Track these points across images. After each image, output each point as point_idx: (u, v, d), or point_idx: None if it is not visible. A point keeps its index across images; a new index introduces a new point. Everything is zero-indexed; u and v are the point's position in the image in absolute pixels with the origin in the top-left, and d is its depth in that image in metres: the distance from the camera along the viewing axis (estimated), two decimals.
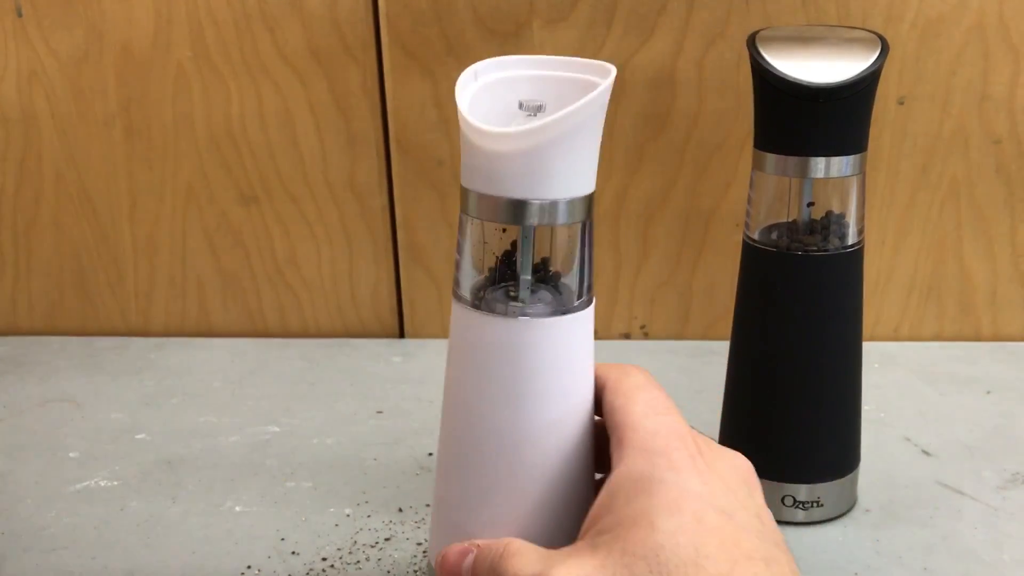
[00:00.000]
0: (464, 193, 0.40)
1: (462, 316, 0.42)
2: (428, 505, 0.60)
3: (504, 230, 0.41)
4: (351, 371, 0.79)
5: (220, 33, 0.78)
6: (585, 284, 0.42)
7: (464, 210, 0.41)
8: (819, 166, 0.53)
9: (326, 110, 0.80)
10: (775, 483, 0.57)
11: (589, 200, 0.40)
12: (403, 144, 0.80)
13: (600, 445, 0.44)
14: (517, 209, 0.39)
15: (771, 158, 0.54)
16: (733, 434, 0.59)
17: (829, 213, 0.54)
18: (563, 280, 0.42)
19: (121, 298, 0.87)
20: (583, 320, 0.42)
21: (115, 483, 0.63)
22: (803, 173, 0.53)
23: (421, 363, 0.81)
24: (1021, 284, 0.81)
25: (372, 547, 0.56)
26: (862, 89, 0.51)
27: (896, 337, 0.83)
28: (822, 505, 0.57)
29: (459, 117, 0.39)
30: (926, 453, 0.66)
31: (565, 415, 0.42)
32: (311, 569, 0.54)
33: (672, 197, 0.80)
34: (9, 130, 0.83)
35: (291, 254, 0.84)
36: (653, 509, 0.36)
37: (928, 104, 0.76)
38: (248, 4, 0.77)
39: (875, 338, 0.82)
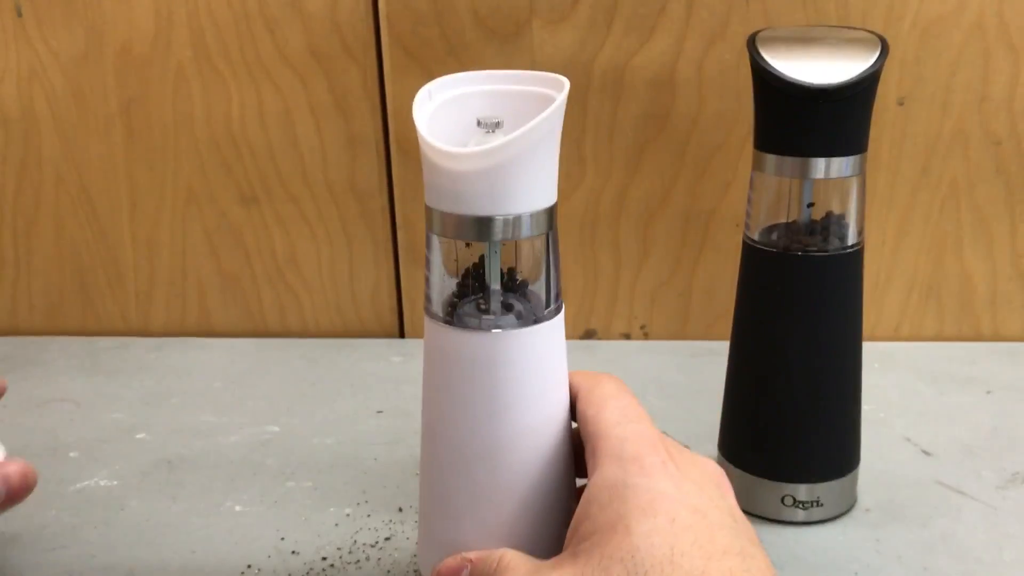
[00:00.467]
0: (429, 212, 0.41)
1: (435, 332, 0.43)
2: None
3: (469, 245, 0.41)
4: (351, 371, 0.79)
5: (220, 33, 0.78)
6: (553, 292, 0.43)
7: (430, 228, 0.41)
8: (819, 167, 0.53)
9: (326, 111, 0.80)
10: (775, 483, 0.57)
11: (552, 211, 0.41)
12: (403, 145, 0.80)
13: (579, 451, 0.45)
14: (482, 226, 0.39)
15: (771, 159, 0.54)
16: (733, 434, 0.59)
17: (829, 214, 0.54)
18: (531, 288, 0.43)
19: (121, 298, 0.87)
20: (554, 328, 0.43)
21: (115, 483, 0.63)
22: (803, 174, 0.53)
23: (421, 363, 0.80)
24: (1021, 284, 0.80)
25: (372, 547, 0.56)
26: (862, 90, 0.51)
27: (896, 337, 0.83)
28: (822, 505, 0.57)
29: (419, 138, 0.40)
30: (926, 453, 0.66)
31: (542, 422, 0.43)
32: (311, 569, 0.54)
33: (672, 197, 0.80)
34: (9, 130, 0.83)
35: (291, 254, 0.84)
36: (628, 513, 0.37)
37: (928, 104, 0.76)
38: (248, 5, 0.77)
39: (875, 338, 0.82)
